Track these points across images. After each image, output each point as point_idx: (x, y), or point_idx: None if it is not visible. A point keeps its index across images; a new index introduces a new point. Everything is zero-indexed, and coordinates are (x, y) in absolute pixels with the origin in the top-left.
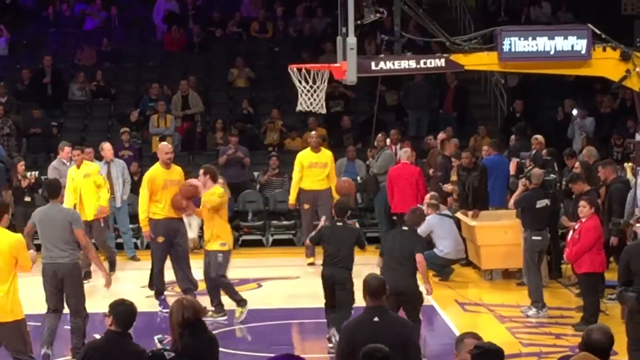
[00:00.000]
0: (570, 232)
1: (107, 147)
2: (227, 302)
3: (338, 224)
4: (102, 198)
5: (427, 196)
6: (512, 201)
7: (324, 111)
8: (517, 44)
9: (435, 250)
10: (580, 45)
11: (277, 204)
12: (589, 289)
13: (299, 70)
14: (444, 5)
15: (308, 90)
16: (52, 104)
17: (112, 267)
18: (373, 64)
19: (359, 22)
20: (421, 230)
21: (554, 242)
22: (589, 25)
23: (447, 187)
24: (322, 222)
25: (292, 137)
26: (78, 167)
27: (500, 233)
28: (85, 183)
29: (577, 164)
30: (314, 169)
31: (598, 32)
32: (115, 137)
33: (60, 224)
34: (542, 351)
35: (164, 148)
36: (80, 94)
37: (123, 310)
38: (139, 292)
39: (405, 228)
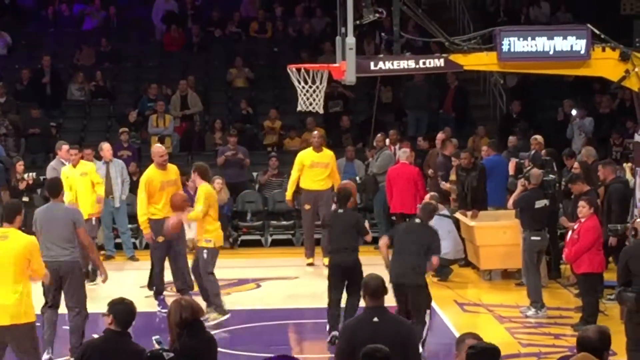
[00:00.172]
0: (570, 232)
1: (106, 147)
2: (228, 301)
3: (340, 210)
4: (99, 190)
5: (427, 196)
6: (511, 201)
7: (322, 111)
8: (516, 44)
9: None
10: (580, 45)
11: (276, 204)
12: (588, 289)
13: (298, 70)
14: (443, 5)
15: (307, 91)
16: (51, 104)
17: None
18: (372, 64)
19: (358, 22)
20: None
21: (553, 242)
22: (588, 25)
23: (445, 185)
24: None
25: (292, 136)
26: (74, 166)
27: (499, 233)
28: (82, 181)
29: (576, 164)
30: (315, 168)
31: (597, 32)
32: (114, 137)
33: (63, 222)
34: (541, 351)
35: (157, 150)
36: (79, 94)
37: (122, 310)
38: (138, 292)
39: (418, 221)
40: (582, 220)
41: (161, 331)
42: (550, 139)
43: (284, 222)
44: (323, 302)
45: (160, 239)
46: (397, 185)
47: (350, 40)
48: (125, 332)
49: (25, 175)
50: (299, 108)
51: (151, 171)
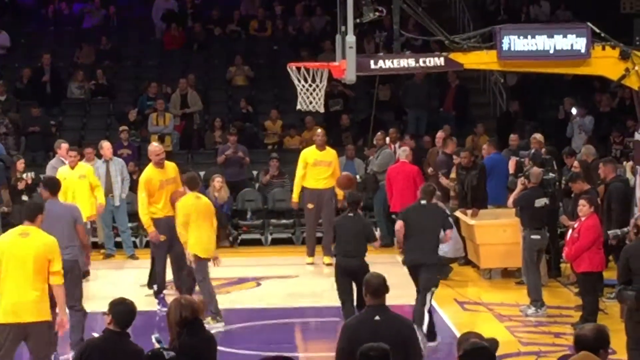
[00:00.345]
0: (570, 231)
1: (106, 146)
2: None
3: (350, 214)
4: (99, 197)
5: None
6: (510, 200)
7: (323, 110)
8: (516, 42)
9: None
10: (580, 44)
11: (276, 203)
12: (588, 288)
13: (298, 68)
14: (443, 3)
15: (307, 89)
16: (51, 102)
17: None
18: (372, 62)
19: (358, 20)
20: None
21: (553, 241)
22: (588, 23)
23: (444, 180)
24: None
25: (291, 135)
26: (72, 167)
27: (499, 232)
28: (80, 184)
29: (575, 163)
30: (318, 167)
31: (597, 30)
32: (114, 135)
33: (64, 220)
34: (541, 350)
35: (154, 149)
36: (79, 93)
37: (122, 310)
38: (138, 291)
39: (423, 202)
40: (582, 218)
41: (161, 330)
42: (551, 138)
43: (284, 221)
44: (323, 301)
45: (162, 237)
46: (396, 184)
47: (351, 38)
48: (124, 332)
49: (24, 175)
50: (298, 107)
51: (149, 170)
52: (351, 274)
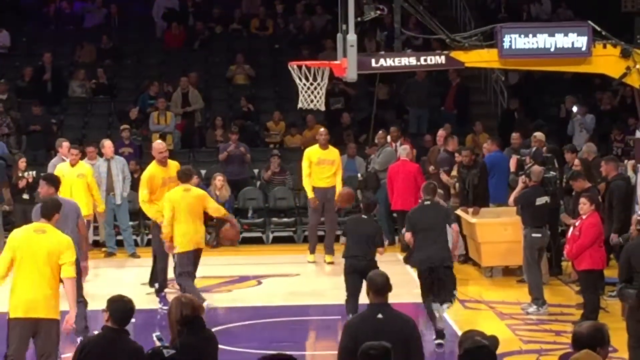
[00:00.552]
0: (571, 229)
1: (107, 145)
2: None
3: (363, 216)
4: (99, 205)
5: None
6: (511, 198)
7: (324, 108)
8: (517, 41)
9: None
10: (581, 42)
11: (277, 201)
12: (589, 286)
13: (299, 67)
14: (444, 2)
15: (308, 88)
16: (52, 101)
17: None
18: (373, 61)
19: (359, 19)
20: None
21: (554, 239)
22: (589, 22)
23: (444, 177)
24: None
25: (292, 134)
26: (72, 165)
27: (500, 230)
28: (78, 183)
29: (576, 161)
30: (322, 165)
31: (598, 29)
32: (115, 134)
33: (69, 216)
34: (543, 348)
35: (158, 147)
36: (80, 91)
37: (119, 307)
38: (139, 289)
39: (427, 202)
40: (583, 217)
41: (162, 328)
42: (552, 136)
43: (285, 219)
44: (325, 299)
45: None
46: (397, 183)
47: (352, 37)
48: (122, 329)
49: (26, 174)
50: (299, 105)
51: (153, 168)
52: (361, 272)
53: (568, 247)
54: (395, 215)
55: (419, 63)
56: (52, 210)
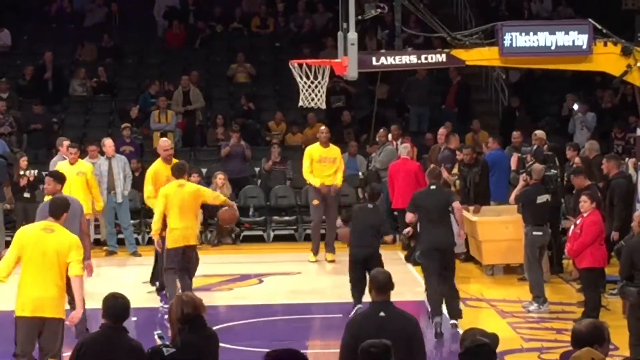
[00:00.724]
0: (572, 227)
1: (108, 143)
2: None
3: (369, 205)
4: (98, 203)
5: None
6: (512, 196)
7: (324, 106)
8: (518, 39)
9: None
10: (581, 40)
11: (278, 200)
12: (590, 284)
13: (300, 65)
14: (445, 0)
15: (309, 86)
16: (53, 100)
17: None
18: (374, 59)
19: (359, 17)
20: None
21: (555, 237)
22: (590, 20)
23: (445, 174)
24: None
25: (293, 132)
26: (72, 164)
27: (501, 228)
28: (77, 181)
29: (577, 159)
30: (323, 163)
31: (599, 27)
32: (116, 133)
33: (74, 213)
34: (544, 346)
35: (163, 144)
36: (81, 90)
37: (112, 304)
38: (141, 288)
39: (433, 187)
40: (584, 215)
41: (163, 326)
42: (553, 134)
43: (286, 218)
44: (325, 298)
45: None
46: (398, 181)
47: (352, 35)
48: (120, 326)
49: (27, 172)
50: (300, 103)
51: (158, 165)
52: (364, 262)
53: (569, 245)
54: (396, 213)
55: (419, 61)
56: (61, 209)
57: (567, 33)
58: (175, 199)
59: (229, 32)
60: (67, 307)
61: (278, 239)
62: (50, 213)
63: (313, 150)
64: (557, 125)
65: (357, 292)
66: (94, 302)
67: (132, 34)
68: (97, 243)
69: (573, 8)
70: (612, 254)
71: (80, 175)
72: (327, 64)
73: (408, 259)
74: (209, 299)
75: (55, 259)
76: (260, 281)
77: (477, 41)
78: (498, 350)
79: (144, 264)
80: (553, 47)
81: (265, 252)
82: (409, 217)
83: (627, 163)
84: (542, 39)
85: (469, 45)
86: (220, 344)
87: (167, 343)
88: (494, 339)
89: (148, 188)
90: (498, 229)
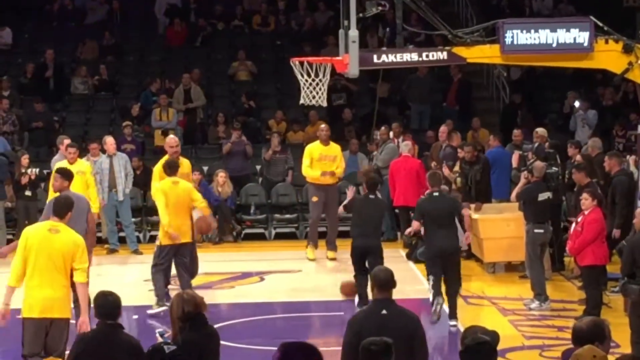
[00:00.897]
0: (573, 225)
1: (109, 141)
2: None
3: (370, 196)
4: (94, 205)
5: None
6: (514, 194)
7: (326, 104)
8: (519, 36)
9: None
10: (583, 37)
11: (279, 198)
12: (591, 281)
13: (301, 63)
14: None
15: (310, 84)
16: (54, 98)
17: None
18: (375, 57)
19: (361, 15)
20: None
21: (556, 234)
22: (591, 17)
23: (446, 171)
24: (350, 193)
25: (295, 130)
26: (71, 163)
27: (502, 226)
28: (77, 180)
29: (578, 157)
30: (323, 161)
31: (600, 24)
32: (117, 130)
33: (82, 210)
34: (545, 344)
35: (170, 142)
36: (82, 88)
37: (102, 303)
38: (142, 286)
39: (436, 194)
40: (586, 212)
41: (165, 324)
42: (556, 132)
43: (288, 215)
44: (327, 295)
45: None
46: (399, 178)
47: (353, 33)
48: (116, 323)
49: (29, 170)
50: (301, 101)
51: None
52: (365, 253)
53: (570, 242)
54: (397, 211)
55: (420, 59)
56: (65, 208)
57: (568, 30)
58: (172, 196)
59: (230, 30)
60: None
61: (279, 236)
62: (54, 212)
63: (313, 149)
64: (559, 123)
65: (363, 287)
66: None
67: (134, 32)
68: (99, 241)
69: (574, 5)
70: (613, 252)
71: (79, 175)
72: (328, 62)
73: (409, 256)
74: (210, 296)
75: (61, 260)
76: (262, 279)
77: (478, 39)
78: (499, 348)
79: (145, 262)
80: (554, 45)
81: (267, 250)
82: (416, 225)
83: (629, 160)
84: (544, 36)
85: (470, 43)
86: (222, 342)
87: (168, 341)
88: (495, 336)
89: (155, 185)
90: (499, 226)
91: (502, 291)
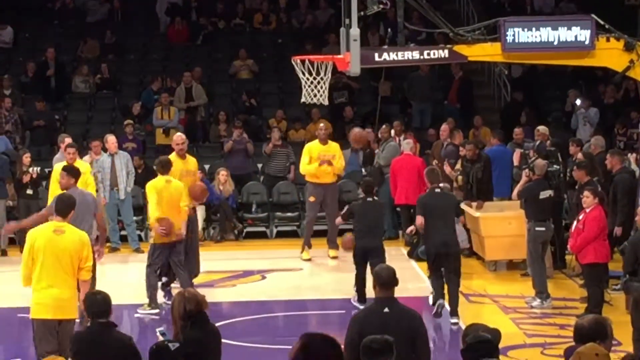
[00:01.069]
0: (575, 223)
1: (111, 140)
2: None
3: (368, 199)
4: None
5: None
6: (515, 192)
7: (327, 102)
8: (520, 34)
9: None
10: (584, 35)
11: (281, 196)
12: (593, 279)
13: (303, 61)
14: None
15: (312, 82)
16: (55, 96)
17: None
18: (376, 55)
19: (362, 13)
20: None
21: (557, 232)
22: (593, 15)
23: (447, 169)
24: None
25: (296, 128)
26: (70, 163)
27: (504, 224)
28: None
29: (579, 155)
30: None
31: (601, 22)
32: (119, 129)
33: (90, 208)
34: (547, 342)
35: (176, 139)
36: (83, 87)
37: (92, 302)
38: (143, 285)
39: (438, 190)
40: (587, 210)
41: (167, 323)
42: (558, 130)
43: (289, 214)
44: (328, 294)
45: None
46: (401, 177)
47: (355, 31)
48: (108, 322)
49: (30, 169)
50: (303, 99)
51: (172, 158)
52: (368, 253)
53: (572, 240)
54: (398, 209)
55: (422, 57)
56: (68, 207)
57: (569, 28)
58: (165, 194)
59: (231, 28)
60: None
61: (281, 235)
62: (57, 212)
63: (312, 148)
64: (563, 120)
65: (362, 286)
66: None
67: (135, 31)
68: None
69: (575, 3)
70: (614, 250)
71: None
72: (330, 60)
73: (411, 255)
74: (211, 295)
75: (68, 260)
76: (263, 277)
77: (479, 37)
78: (501, 345)
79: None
80: (555, 43)
81: (268, 249)
82: (420, 220)
83: (630, 158)
84: (545, 34)
85: (471, 41)
86: (223, 340)
87: (170, 339)
88: (497, 334)
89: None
90: (501, 224)
91: (503, 289)
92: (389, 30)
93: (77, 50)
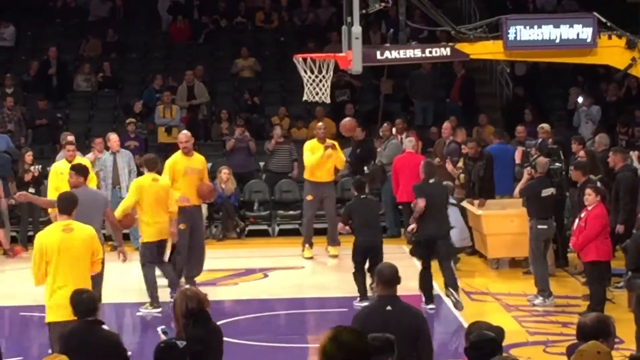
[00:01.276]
0: (577, 221)
1: (113, 138)
2: (236, 291)
3: (362, 196)
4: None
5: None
6: (517, 190)
7: (329, 101)
8: (522, 32)
9: None
10: (586, 33)
11: (282, 194)
12: (595, 277)
13: (305, 60)
14: None
15: (314, 80)
16: (57, 95)
17: None
18: (378, 53)
19: (364, 11)
20: None
21: (560, 230)
22: (595, 13)
23: (449, 167)
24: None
25: (298, 127)
26: (70, 161)
27: (506, 222)
28: None
29: (581, 153)
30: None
31: (603, 20)
32: (121, 127)
33: (100, 206)
34: (549, 340)
35: (181, 137)
36: (85, 85)
37: (78, 301)
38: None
39: (432, 181)
40: (589, 208)
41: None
42: (561, 128)
43: (291, 212)
44: (329, 292)
45: (182, 226)
46: (403, 175)
47: (357, 29)
48: (95, 320)
49: (32, 167)
50: (305, 98)
51: (176, 155)
52: (368, 250)
53: (574, 238)
54: (400, 207)
55: (424, 55)
56: (71, 205)
57: (571, 26)
58: (151, 192)
59: (233, 26)
60: None
61: (283, 233)
62: (60, 210)
63: (311, 147)
64: (566, 118)
65: (363, 283)
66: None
67: (137, 29)
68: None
69: (577, 1)
70: (617, 247)
71: None
72: (332, 58)
73: (413, 253)
74: (213, 293)
75: (82, 258)
76: (265, 275)
77: (481, 35)
78: (503, 343)
79: None
80: (557, 41)
81: (270, 247)
82: (421, 202)
83: (632, 156)
84: (547, 32)
85: (473, 39)
86: (225, 339)
87: (173, 337)
88: (500, 332)
89: (165, 178)
90: (503, 222)
91: (505, 287)
92: (391, 28)
93: (79, 49)
